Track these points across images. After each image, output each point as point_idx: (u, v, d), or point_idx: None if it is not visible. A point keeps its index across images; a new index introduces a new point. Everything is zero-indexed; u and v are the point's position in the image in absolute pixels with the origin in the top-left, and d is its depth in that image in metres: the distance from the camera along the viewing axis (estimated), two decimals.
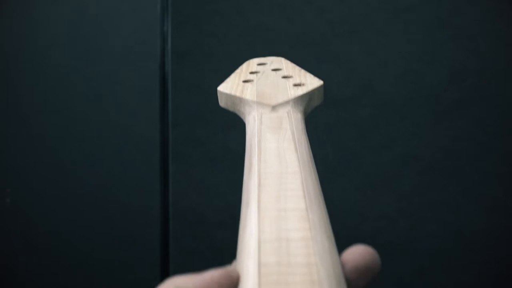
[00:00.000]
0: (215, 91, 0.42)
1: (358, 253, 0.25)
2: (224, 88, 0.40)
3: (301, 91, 0.38)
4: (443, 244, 0.76)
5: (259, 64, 0.44)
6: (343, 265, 0.25)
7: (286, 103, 0.37)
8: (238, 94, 0.39)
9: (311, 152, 0.32)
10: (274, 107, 0.36)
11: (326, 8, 0.78)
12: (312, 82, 0.40)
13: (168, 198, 0.79)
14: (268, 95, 0.38)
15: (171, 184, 0.78)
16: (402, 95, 0.77)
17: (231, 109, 0.41)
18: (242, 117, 0.39)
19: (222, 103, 0.41)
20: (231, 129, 0.77)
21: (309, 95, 0.39)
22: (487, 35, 0.76)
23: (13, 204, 0.80)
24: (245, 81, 0.41)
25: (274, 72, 0.42)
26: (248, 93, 0.39)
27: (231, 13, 0.79)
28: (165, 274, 0.78)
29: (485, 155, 0.76)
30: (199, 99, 0.78)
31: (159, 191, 0.79)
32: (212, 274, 0.23)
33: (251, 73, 0.42)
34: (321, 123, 0.77)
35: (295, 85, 0.39)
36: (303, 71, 0.42)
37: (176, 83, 0.79)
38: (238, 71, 0.44)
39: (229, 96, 0.40)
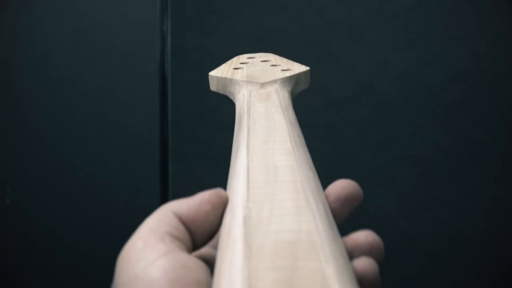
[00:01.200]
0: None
1: (340, 185, 0.27)
2: (215, 73, 0.43)
3: (288, 73, 0.40)
4: (443, 244, 0.76)
5: (249, 58, 0.47)
6: (326, 197, 0.26)
7: (274, 81, 0.39)
8: (228, 76, 0.41)
9: (296, 120, 0.34)
10: (262, 84, 0.38)
11: (326, 8, 0.78)
12: (299, 68, 0.42)
13: (168, 198, 0.79)
14: (257, 76, 0.40)
15: (171, 184, 0.78)
16: (402, 95, 0.77)
17: (221, 91, 0.42)
18: (232, 97, 0.41)
19: (213, 87, 0.43)
20: (231, 129, 0.77)
21: (296, 78, 0.41)
22: (487, 35, 0.76)
23: (13, 204, 0.80)
24: (235, 68, 0.43)
25: (263, 62, 0.44)
26: (239, 75, 0.41)
27: (231, 13, 0.79)
28: None
29: (485, 155, 0.76)
30: (199, 99, 0.78)
31: (159, 191, 0.79)
32: (203, 195, 0.25)
33: (241, 63, 0.45)
34: (321, 123, 0.77)
35: (283, 70, 0.42)
36: (290, 61, 0.44)
37: (176, 83, 0.79)
38: (228, 62, 0.46)
39: (220, 79, 0.42)
